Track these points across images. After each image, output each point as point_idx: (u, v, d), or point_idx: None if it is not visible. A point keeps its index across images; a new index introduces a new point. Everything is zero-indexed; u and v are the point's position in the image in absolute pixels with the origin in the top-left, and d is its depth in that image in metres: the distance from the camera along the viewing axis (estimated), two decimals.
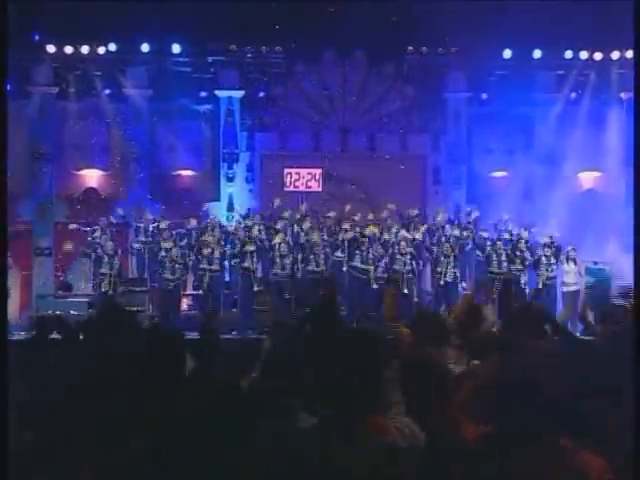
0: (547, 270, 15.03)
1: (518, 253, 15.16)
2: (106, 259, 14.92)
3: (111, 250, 15.08)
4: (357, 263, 15.01)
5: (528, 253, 15.19)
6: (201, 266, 14.96)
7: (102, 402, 3.38)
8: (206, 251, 15.00)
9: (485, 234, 15.62)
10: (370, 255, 14.91)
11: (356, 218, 16.06)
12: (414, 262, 14.88)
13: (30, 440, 3.37)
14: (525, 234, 15.44)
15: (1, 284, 5.13)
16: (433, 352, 4.44)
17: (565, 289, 15.31)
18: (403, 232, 15.40)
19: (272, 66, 18.45)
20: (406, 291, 14.70)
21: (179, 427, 2.95)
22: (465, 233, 15.62)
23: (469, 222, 15.99)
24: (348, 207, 16.51)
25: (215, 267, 14.98)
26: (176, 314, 15.01)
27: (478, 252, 15.42)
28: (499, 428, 2.79)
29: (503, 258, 14.96)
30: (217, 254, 15.03)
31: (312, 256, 14.83)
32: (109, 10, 15.95)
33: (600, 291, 14.96)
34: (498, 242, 15.07)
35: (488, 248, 15.15)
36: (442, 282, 15.03)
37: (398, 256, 14.83)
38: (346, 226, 15.40)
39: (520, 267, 15.13)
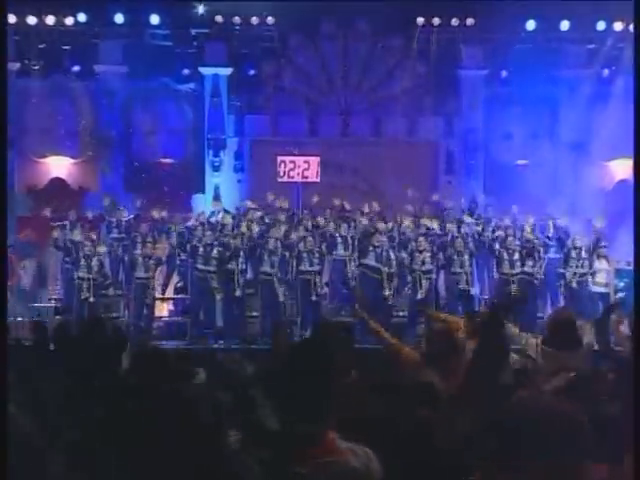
0: (577, 267, 14.25)
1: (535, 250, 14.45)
2: (83, 261, 14.04)
3: (88, 250, 14.18)
4: (371, 261, 14.17)
5: (554, 248, 14.53)
6: (198, 266, 14.12)
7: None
8: (192, 250, 14.25)
9: (501, 231, 14.85)
10: (384, 253, 14.14)
11: (365, 210, 15.51)
12: (433, 261, 14.16)
13: None
14: (550, 227, 14.83)
15: (1, 283, 5.32)
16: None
17: (595, 289, 14.57)
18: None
19: (264, 40, 17.76)
20: (422, 296, 13.94)
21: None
22: (479, 229, 14.92)
23: (481, 217, 15.43)
24: (349, 199, 16.05)
25: (205, 268, 14.07)
26: (153, 320, 14.45)
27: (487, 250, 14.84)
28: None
29: (516, 257, 14.16)
30: (202, 253, 14.10)
31: (305, 254, 14.05)
32: None
33: (633, 295, 14.23)
34: (509, 238, 14.31)
35: (498, 246, 14.41)
36: (457, 285, 14.25)
37: (416, 254, 14.06)
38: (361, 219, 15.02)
39: (535, 266, 14.30)
